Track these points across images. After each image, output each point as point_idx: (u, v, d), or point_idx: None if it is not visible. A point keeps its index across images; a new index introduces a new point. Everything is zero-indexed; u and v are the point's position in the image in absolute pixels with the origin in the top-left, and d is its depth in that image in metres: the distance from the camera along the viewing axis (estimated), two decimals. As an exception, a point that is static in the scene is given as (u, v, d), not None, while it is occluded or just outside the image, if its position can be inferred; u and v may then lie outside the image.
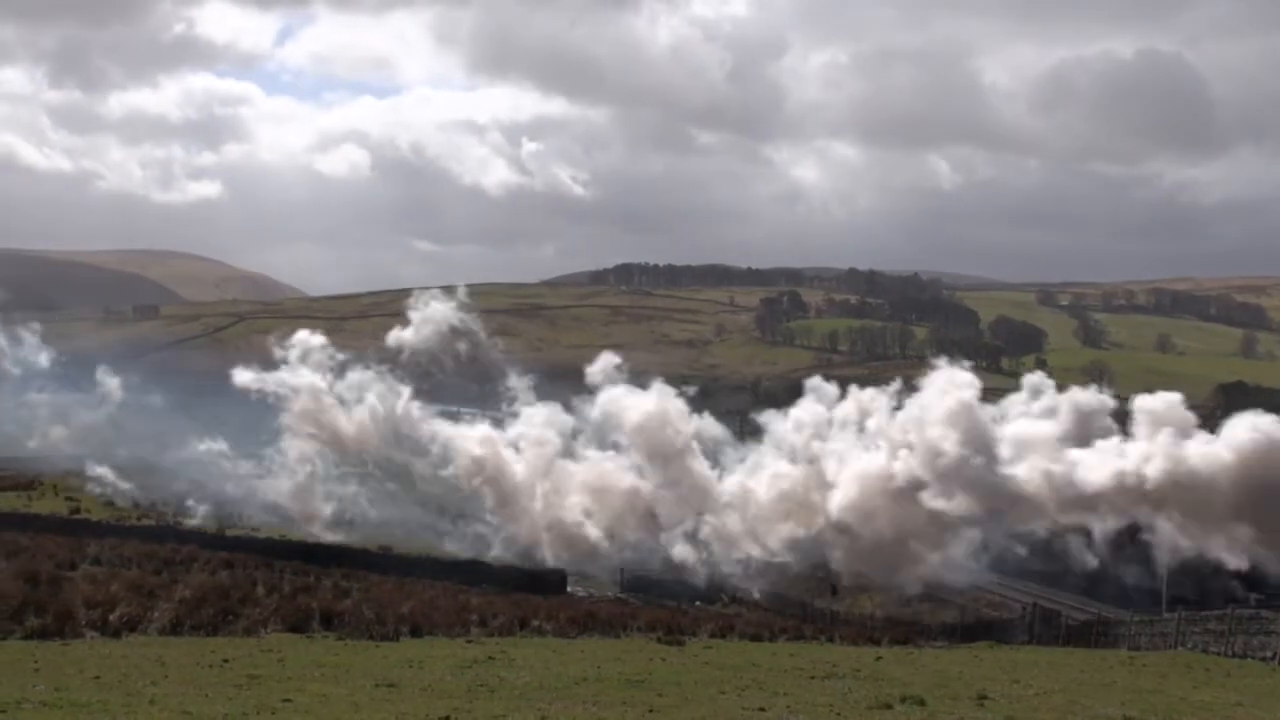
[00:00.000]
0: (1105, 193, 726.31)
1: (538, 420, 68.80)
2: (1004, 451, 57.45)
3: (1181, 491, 54.08)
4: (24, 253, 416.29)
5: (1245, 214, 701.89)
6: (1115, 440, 57.24)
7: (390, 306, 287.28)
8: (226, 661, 18.92)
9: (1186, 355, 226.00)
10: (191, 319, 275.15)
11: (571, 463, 67.87)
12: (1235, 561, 53.63)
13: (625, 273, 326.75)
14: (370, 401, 72.23)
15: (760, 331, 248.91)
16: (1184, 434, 56.67)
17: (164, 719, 13.51)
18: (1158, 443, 55.79)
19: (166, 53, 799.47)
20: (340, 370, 73.98)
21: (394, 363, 76.07)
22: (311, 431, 71.72)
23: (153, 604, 25.93)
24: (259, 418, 72.90)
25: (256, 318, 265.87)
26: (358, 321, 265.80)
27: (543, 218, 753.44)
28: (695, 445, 67.78)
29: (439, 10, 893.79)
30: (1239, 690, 21.34)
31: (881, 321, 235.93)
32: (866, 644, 33.46)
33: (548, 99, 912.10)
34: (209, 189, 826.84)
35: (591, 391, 68.09)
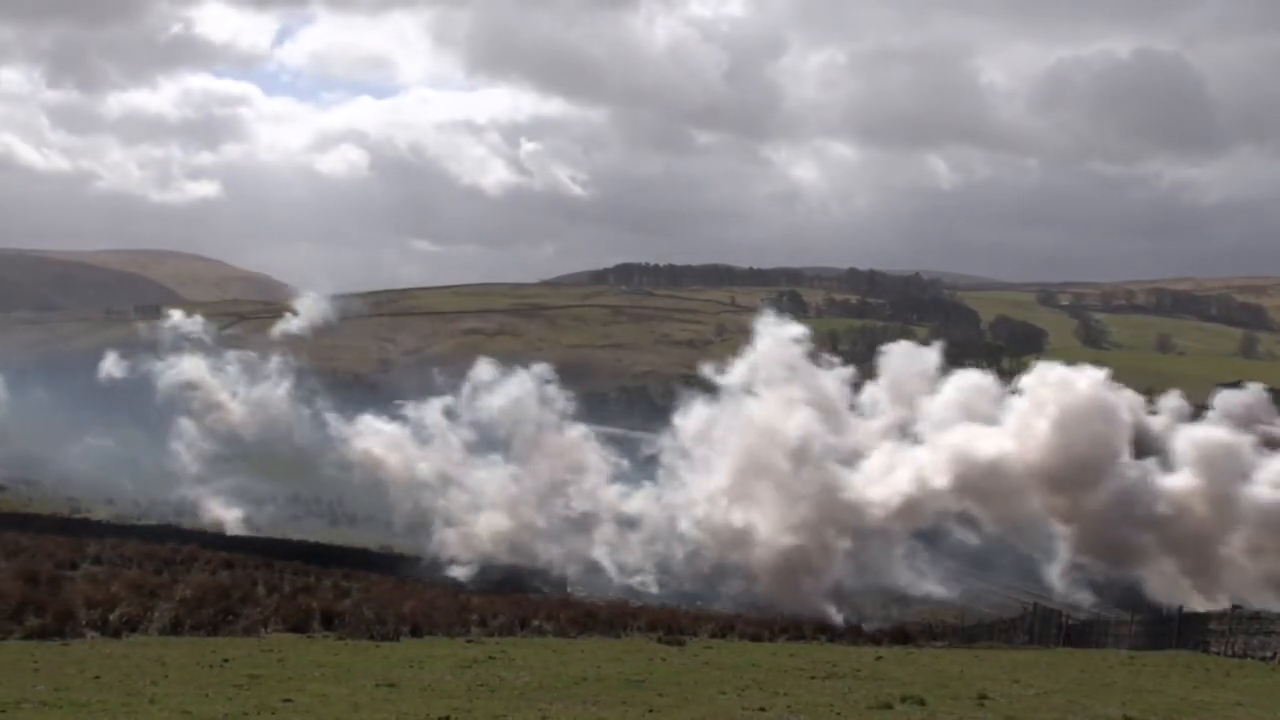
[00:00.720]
0: (1104, 192, 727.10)
1: (428, 420, 66.74)
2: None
3: (977, 487, 52.97)
4: (25, 253, 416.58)
5: (1245, 214, 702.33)
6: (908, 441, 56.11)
7: (390, 306, 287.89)
8: (227, 661, 18.93)
9: (1187, 355, 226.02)
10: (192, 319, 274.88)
11: (462, 465, 65.30)
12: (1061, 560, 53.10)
13: (626, 272, 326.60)
14: (261, 391, 71.30)
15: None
16: (989, 420, 55.32)
17: (164, 719, 13.52)
18: (944, 437, 54.54)
19: (165, 53, 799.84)
20: (219, 352, 73.04)
21: (286, 354, 74.86)
22: (203, 421, 70.77)
23: (153, 604, 25.93)
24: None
25: (257, 317, 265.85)
26: (357, 321, 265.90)
27: (542, 218, 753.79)
28: (584, 443, 64.28)
29: (437, 10, 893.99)
30: (1239, 690, 21.34)
31: (882, 321, 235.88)
32: (866, 644, 33.48)
33: (546, 99, 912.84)
34: (207, 189, 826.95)
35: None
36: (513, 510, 61.97)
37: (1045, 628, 45.62)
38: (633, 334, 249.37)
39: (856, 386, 61.88)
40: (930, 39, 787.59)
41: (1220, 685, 22.11)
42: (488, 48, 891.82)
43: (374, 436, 67.79)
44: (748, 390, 59.98)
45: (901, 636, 36.47)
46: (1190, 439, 54.72)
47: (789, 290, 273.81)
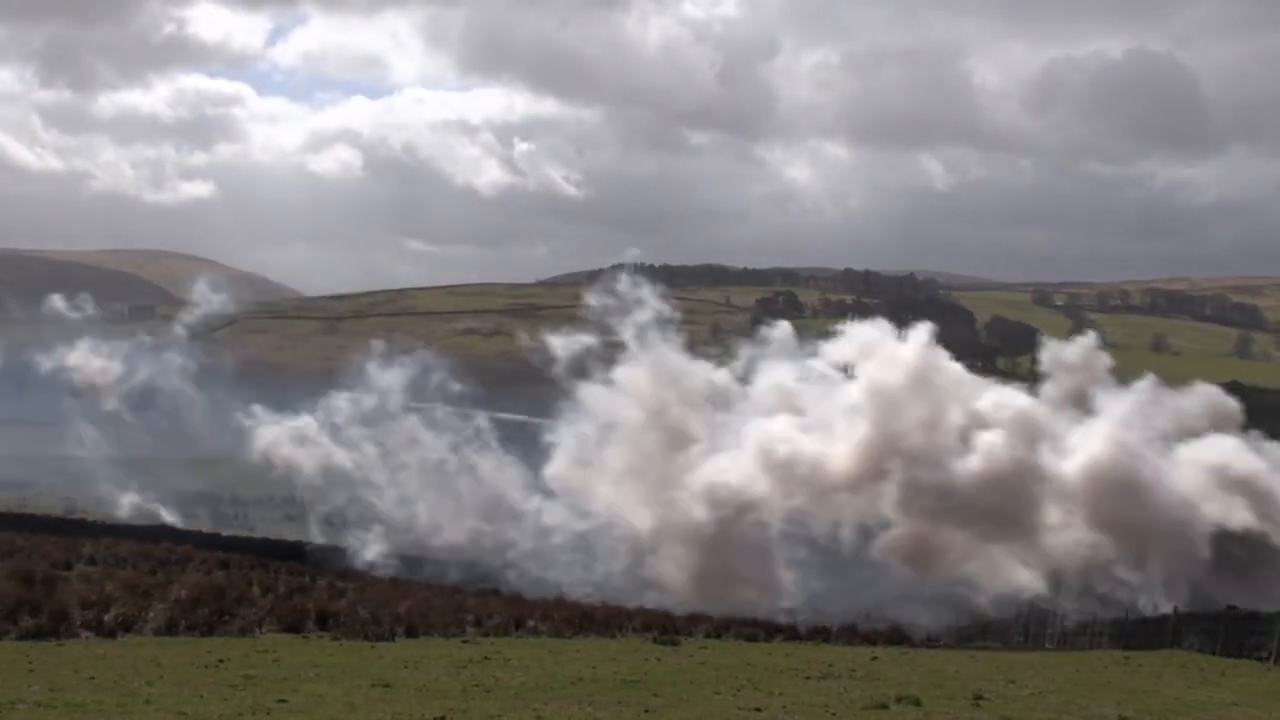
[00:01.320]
0: (1099, 193, 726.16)
1: (334, 414, 65.48)
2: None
3: (795, 487, 51.30)
4: (19, 253, 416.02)
5: (1240, 214, 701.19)
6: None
7: (387, 306, 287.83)
8: (222, 662, 18.92)
9: (1182, 355, 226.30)
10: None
11: (363, 458, 63.92)
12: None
13: (621, 273, 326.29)
14: (167, 384, 71.03)
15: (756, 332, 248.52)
16: (801, 411, 53.53)
17: (159, 719, 13.51)
18: (754, 434, 52.76)
19: (157, 53, 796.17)
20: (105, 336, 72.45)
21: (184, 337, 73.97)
22: (100, 413, 70.22)
23: (148, 604, 25.86)
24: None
25: (252, 318, 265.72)
26: (354, 321, 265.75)
27: (536, 218, 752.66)
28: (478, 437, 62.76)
29: (430, 10, 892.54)
30: (1234, 690, 21.37)
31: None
32: (862, 644, 33.52)
33: (539, 99, 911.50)
34: (201, 189, 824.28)
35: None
36: (414, 508, 61.00)
37: (1039, 628, 45.68)
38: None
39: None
40: (923, 39, 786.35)
41: (1215, 685, 22.14)
42: (481, 48, 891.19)
43: (277, 431, 66.72)
44: (580, 373, 58.29)
45: (897, 637, 36.55)
46: (994, 407, 52.68)
47: (784, 290, 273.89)
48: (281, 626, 25.83)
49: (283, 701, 14.88)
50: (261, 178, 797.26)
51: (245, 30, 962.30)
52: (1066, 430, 52.08)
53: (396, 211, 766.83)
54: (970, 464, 50.01)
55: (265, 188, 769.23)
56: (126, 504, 69.37)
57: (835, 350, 55.64)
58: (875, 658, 25.50)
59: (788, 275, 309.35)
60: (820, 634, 37.31)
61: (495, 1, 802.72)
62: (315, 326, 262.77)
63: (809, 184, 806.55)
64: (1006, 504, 49.11)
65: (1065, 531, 49.47)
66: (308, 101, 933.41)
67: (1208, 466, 50.37)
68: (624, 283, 59.07)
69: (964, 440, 51.21)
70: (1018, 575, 49.16)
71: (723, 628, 35.33)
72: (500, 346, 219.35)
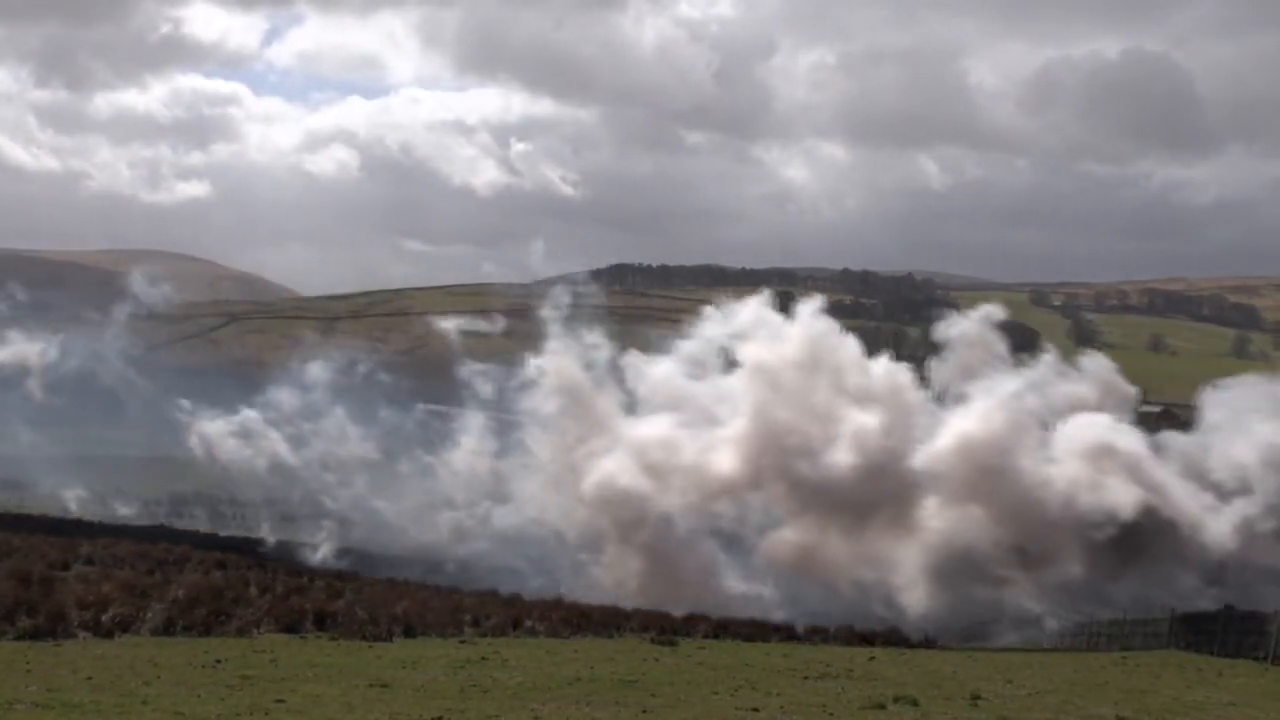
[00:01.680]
0: (1096, 193, 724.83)
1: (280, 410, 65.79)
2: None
3: (695, 486, 50.52)
4: (18, 253, 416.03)
5: (1237, 214, 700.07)
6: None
7: (385, 306, 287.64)
8: (219, 662, 18.91)
9: (1179, 355, 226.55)
10: (185, 319, 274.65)
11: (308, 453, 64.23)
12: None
13: (619, 273, 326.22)
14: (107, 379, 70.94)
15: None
16: (683, 406, 52.82)
17: (157, 719, 13.50)
18: (632, 433, 52.09)
19: (153, 53, 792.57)
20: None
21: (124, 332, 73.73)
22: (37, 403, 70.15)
23: (145, 604, 25.85)
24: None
25: (250, 318, 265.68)
26: (352, 321, 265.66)
27: (533, 218, 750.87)
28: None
29: (426, 11, 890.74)
30: (1232, 690, 21.38)
31: (875, 322, 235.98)
32: (860, 644, 33.54)
33: (536, 99, 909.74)
34: (198, 189, 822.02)
35: None
36: (363, 504, 60.93)
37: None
38: (626, 334, 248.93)
39: None
40: (920, 40, 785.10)
41: (1213, 685, 22.16)
42: (477, 48, 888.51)
43: (219, 426, 66.47)
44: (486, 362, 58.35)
45: (895, 637, 36.55)
46: (878, 386, 51.50)
47: (782, 290, 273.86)
48: (279, 627, 25.82)
49: (280, 702, 14.88)
50: (258, 178, 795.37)
51: (241, 30, 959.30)
52: (949, 411, 51.22)
53: (393, 211, 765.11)
54: (843, 455, 49.03)
55: (262, 188, 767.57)
56: (72, 499, 69.29)
57: (721, 334, 55.03)
58: (873, 658, 25.52)
59: (785, 275, 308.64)
60: (818, 634, 37.31)
61: (491, 2, 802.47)
62: (312, 326, 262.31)
63: (806, 184, 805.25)
64: (881, 494, 48.27)
65: (938, 518, 48.59)
66: (304, 101, 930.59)
67: (1081, 446, 49.27)
68: (536, 254, 59.64)
69: (842, 427, 50.19)
70: (912, 577, 48.31)
71: (720, 628, 35.32)
72: (499, 346, 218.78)
